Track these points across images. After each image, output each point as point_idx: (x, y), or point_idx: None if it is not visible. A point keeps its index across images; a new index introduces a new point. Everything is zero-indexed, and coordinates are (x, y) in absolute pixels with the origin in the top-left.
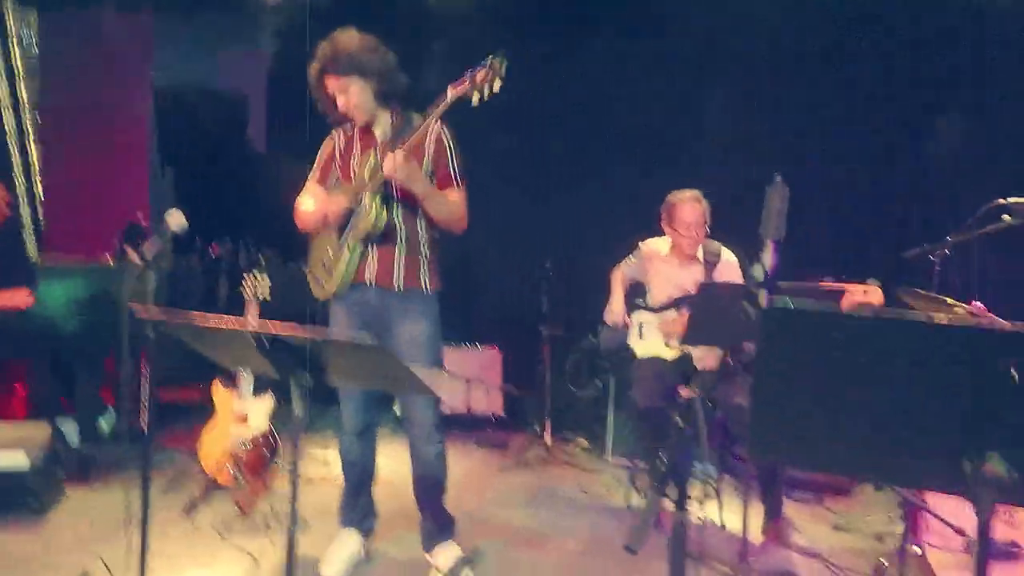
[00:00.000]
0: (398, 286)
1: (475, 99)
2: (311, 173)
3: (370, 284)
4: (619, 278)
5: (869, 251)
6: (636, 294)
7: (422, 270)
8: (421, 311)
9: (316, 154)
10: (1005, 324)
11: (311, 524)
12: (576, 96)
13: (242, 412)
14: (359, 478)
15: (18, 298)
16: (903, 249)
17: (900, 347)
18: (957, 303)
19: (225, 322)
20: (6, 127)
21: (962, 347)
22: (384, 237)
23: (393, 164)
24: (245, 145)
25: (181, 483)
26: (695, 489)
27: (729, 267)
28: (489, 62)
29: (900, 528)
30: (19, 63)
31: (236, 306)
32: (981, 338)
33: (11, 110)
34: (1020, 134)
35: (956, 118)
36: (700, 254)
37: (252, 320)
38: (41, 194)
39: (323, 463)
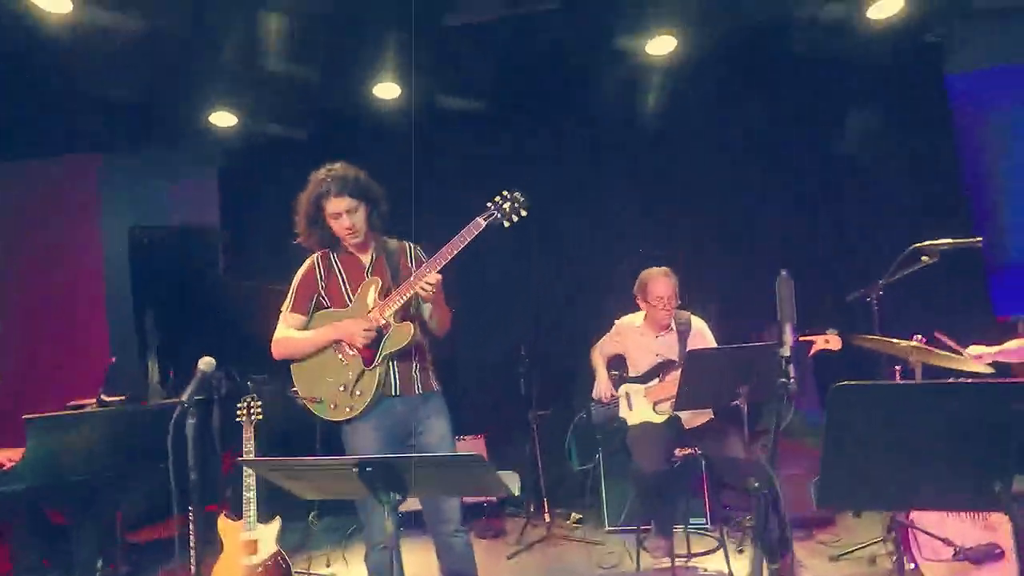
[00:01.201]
0: (418, 391)
1: (506, 224)
2: (286, 303)
3: (394, 395)
4: (599, 356)
5: (812, 300)
6: (614, 367)
7: (431, 374)
8: (439, 410)
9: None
10: (957, 351)
11: None
12: (545, 187)
13: (251, 539)
14: None
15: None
16: (840, 295)
17: (937, 404)
18: (903, 340)
19: (324, 459)
20: None
21: (980, 398)
22: (404, 350)
23: (431, 285)
24: (206, 274)
25: None
26: (699, 544)
27: (700, 333)
28: (511, 196)
29: (888, 549)
30: None
31: (230, 430)
32: (994, 390)
33: None
34: (925, 190)
35: (870, 182)
36: (672, 324)
37: (249, 443)
38: None
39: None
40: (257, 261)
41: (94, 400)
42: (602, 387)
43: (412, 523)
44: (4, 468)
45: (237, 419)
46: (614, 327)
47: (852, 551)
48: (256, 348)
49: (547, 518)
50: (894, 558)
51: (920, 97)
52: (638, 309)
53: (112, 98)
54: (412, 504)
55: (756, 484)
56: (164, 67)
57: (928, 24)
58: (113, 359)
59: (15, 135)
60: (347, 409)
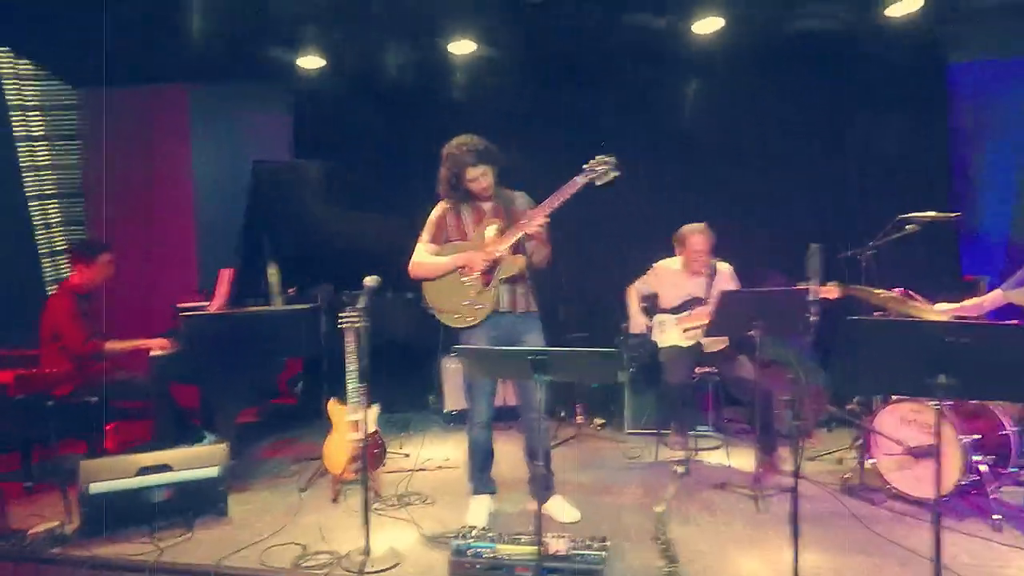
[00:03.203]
0: (521, 311)
1: (599, 183)
2: (423, 235)
3: (504, 312)
4: (634, 295)
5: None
6: (644, 302)
7: (531, 297)
8: (535, 326)
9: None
10: (926, 305)
11: (435, 497)
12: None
13: (355, 420)
14: (485, 458)
15: (155, 343)
16: (835, 254)
17: (905, 332)
18: (887, 291)
19: (512, 348)
20: (25, 189)
21: (928, 329)
22: (514, 277)
23: (539, 224)
24: (313, 202)
25: (309, 482)
26: (704, 444)
27: (725, 276)
28: (606, 159)
29: (853, 454)
30: (37, 128)
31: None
32: (933, 326)
33: (33, 171)
34: (915, 164)
35: (870, 152)
36: (703, 269)
37: (354, 346)
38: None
39: (404, 456)
40: (334, 193)
41: (202, 303)
42: (637, 322)
43: (501, 417)
44: (159, 353)
45: (340, 326)
46: (652, 268)
47: (824, 454)
48: (353, 266)
49: (579, 421)
50: (857, 457)
51: (922, 84)
52: (672, 255)
53: (208, 34)
54: (499, 401)
55: (792, 419)
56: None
57: (938, 18)
58: (233, 269)
59: (117, 62)
60: (468, 319)
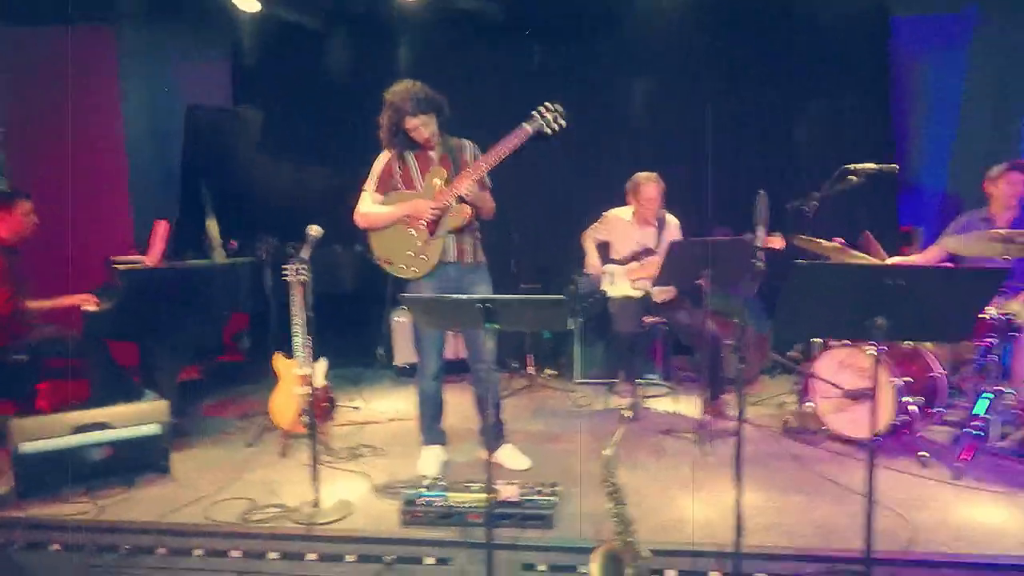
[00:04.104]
0: (469, 262)
1: (547, 132)
2: (368, 184)
3: (451, 263)
4: (590, 240)
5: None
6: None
7: (478, 248)
8: (484, 277)
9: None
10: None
11: (387, 449)
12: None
13: (304, 375)
14: (435, 409)
15: (79, 299)
16: (782, 204)
17: (847, 276)
18: (828, 241)
19: (461, 297)
20: None
21: (869, 273)
22: (461, 227)
23: (481, 174)
24: (250, 151)
25: (255, 439)
26: (655, 391)
27: (673, 227)
28: (553, 107)
29: (794, 398)
30: None
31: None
32: (874, 270)
33: None
34: (857, 118)
35: (815, 106)
36: (654, 220)
37: (299, 299)
38: None
39: (354, 409)
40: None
41: (137, 257)
42: (593, 265)
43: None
44: (91, 309)
45: (283, 279)
46: (603, 217)
47: (765, 399)
48: (299, 217)
49: (531, 371)
50: (797, 401)
51: (866, 36)
52: (624, 204)
53: None
54: (449, 354)
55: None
56: None
57: None
58: (167, 221)
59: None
60: (414, 270)
